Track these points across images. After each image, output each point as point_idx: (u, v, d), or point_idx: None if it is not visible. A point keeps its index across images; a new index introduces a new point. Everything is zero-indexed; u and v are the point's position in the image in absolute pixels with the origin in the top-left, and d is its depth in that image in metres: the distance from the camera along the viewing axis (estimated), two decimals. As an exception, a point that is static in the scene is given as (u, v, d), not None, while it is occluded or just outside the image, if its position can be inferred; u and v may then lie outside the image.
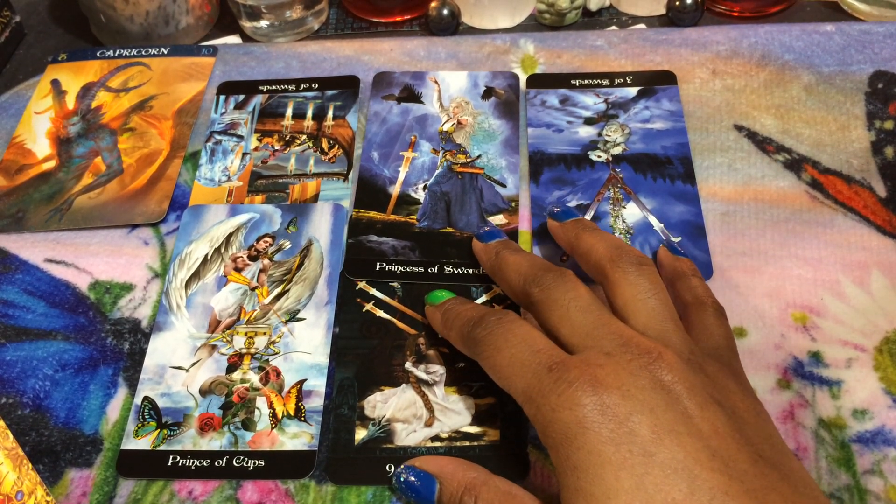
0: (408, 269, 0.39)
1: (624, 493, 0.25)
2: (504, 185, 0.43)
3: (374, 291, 0.39)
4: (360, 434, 0.35)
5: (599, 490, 0.25)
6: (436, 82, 0.48)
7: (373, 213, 0.42)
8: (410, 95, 0.47)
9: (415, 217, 0.42)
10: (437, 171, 0.44)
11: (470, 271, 0.39)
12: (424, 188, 0.43)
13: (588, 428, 0.26)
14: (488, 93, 0.47)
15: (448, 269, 0.39)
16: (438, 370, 0.36)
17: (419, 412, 0.35)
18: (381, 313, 0.38)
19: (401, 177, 0.44)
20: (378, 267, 0.40)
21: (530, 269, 0.33)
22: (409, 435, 0.34)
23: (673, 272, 0.36)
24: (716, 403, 0.27)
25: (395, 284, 0.39)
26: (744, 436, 0.27)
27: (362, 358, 0.37)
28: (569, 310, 0.30)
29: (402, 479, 0.32)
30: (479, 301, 0.38)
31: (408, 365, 0.37)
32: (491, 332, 0.31)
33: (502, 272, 0.35)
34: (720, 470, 0.25)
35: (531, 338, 0.30)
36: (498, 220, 0.41)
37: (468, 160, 0.44)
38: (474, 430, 0.34)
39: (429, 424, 0.35)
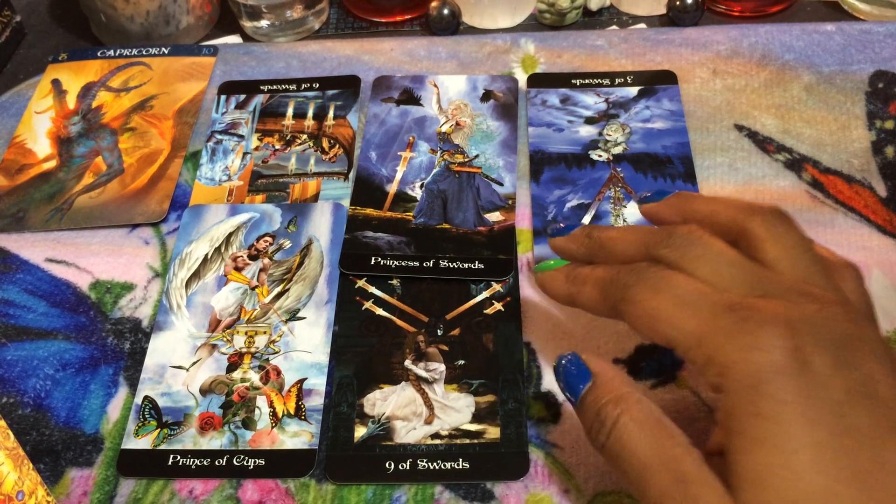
0: (403, 264, 0.39)
1: (811, 451, 0.23)
2: (501, 184, 0.43)
3: (373, 290, 0.39)
4: (360, 431, 0.35)
5: (785, 443, 0.23)
6: (435, 85, 0.48)
7: (369, 210, 0.42)
8: (409, 98, 0.47)
9: (411, 214, 0.42)
10: (434, 170, 0.44)
11: (466, 266, 0.39)
12: (421, 186, 0.43)
13: (781, 373, 0.24)
14: (487, 95, 0.47)
15: (443, 263, 0.39)
16: (438, 368, 0.36)
17: (419, 410, 0.35)
18: (380, 311, 0.38)
19: (398, 175, 0.44)
20: (373, 261, 0.40)
21: (647, 234, 0.30)
22: (408, 432, 0.34)
23: (680, 212, 0.32)
24: (893, 369, 0.25)
25: (394, 283, 0.39)
26: None
27: (361, 356, 0.37)
28: (718, 263, 0.27)
29: (562, 363, 0.30)
30: (479, 298, 0.38)
31: (407, 363, 0.37)
32: (645, 276, 0.28)
33: (608, 249, 0.31)
34: None
35: (693, 281, 0.27)
36: (495, 216, 0.41)
37: (466, 159, 0.44)
38: (474, 427, 0.34)
39: (428, 422, 0.35)
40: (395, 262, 0.40)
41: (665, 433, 0.26)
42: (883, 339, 0.27)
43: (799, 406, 0.23)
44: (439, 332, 0.37)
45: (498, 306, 0.38)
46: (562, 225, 0.35)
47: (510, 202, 0.42)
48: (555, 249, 0.34)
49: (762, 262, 0.28)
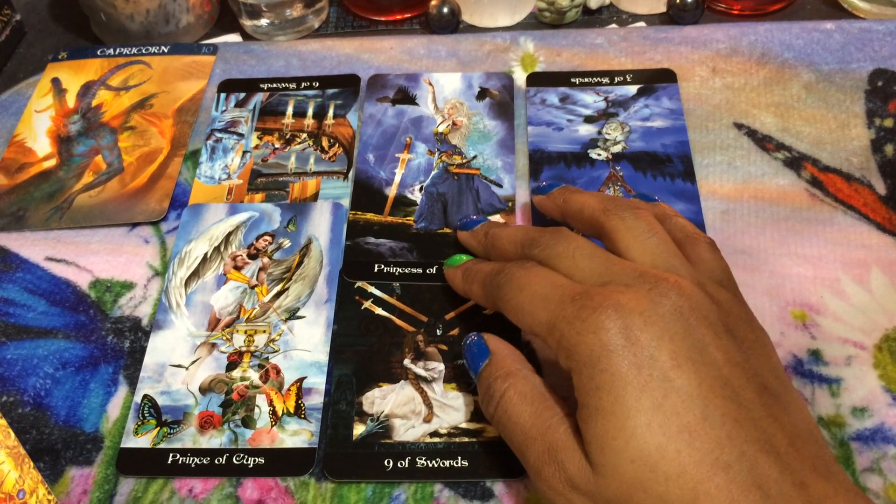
0: (406, 270, 0.39)
1: (642, 414, 0.26)
2: (500, 186, 0.43)
3: (372, 289, 0.39)
4: (359, 429, 0.35)
5: (620, 409, 0.26)
6: (430, 84, 0.48)
7: (370, 215, 0.42)
8: (405, 97, 0.47)
9: (412, 218, 0.42)
10: (433, 173, 0.44)
11: None
12: (421, 189, 0.43)
13: (613, 351, 0.27)
14: (483, 94, 0.47)
15: None
16: (437, 367, 0.36)
17: (418, 408, 0.35)
18: (379, 311, 0.38)
19: (397, 178, 0.44)
20: (376, 268, 0.40)
21: (525, 235, 0.34)
22: (407, 430, 0.34)
23: (655, 216, 0.35)
24: (728, 332, 0.28)
25: (393, 284, 0.39)
26: (751, 366, 0.28)
27: (361, 355, 0.37)
28: (575, 258, 0.31)
29: (468, 342, 0.33)
30: None
31: (406, 362, 0.37)
32: (513, 276, 0.32)
33: (497, 248, 0.36)
34: (730, 398, 0.26)
35: (552, 276, 0.31)
36: (495, 220, 0.41)
37: (464, 161, 0.44)
38: (473, 426, 0.34)
39: (427, 420, 0.35)
40: (399, 269, 0.40)
41: (545, 405, 0.30)
42: (739, 299, 0.31)
43: (630, 377, 0.26)
44: (438, 332, 0.37)
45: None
46: (474, 217, 0.39)
47: (510, 204, 0.42)
48: (460, 242, 0.39)
49: (617, 252, 0.32)
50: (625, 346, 0.27)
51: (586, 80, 0.47)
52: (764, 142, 0.43)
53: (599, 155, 0.43)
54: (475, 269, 0.35)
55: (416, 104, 0.47)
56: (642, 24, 0.51)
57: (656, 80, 0.46)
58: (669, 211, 0.35)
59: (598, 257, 0.31)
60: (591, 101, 0.46)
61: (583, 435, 0.27)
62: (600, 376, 0.27)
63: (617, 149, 0.44)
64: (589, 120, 0.45)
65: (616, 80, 0.47)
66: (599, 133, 0.44)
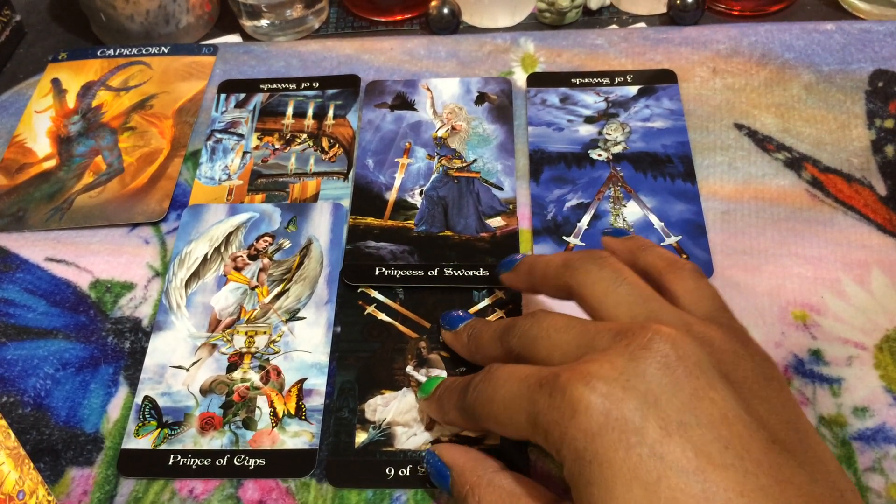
0: (407, 273, 0.39)
1: None
2: (501, 188, 0.43)
3: (375, 294, 0.39)
4: (361, 437, 0.34)
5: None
6: (428, 89, 0.48)
7: (370, 220, 0.42)
8: (403, 103, 0.47)
9: (412, 222, 0.42)
10: (433, 177, 0.44)
11: (470, 273, 0.39)
12: (421, 193, 0.43)
13: (596, 434, 0.24)
14: (481, 98, 0.47)
15: (448, 271, 0.39)
16: (440, 374, 0.36)
17: (420, 416, 0.35)
18: (382, 316, 0.38)
19: (397, 182, 0.44)
20: (377, 271, 0.40)
21: (501, 328, 0.32)
22: (409, 438, 0.34)
23: (629, 251, 0.34)
24: (723, 380, 0.25)
25: (397, 289, 0.39)
26: (755, 416, 0.25)
27: (363, 361, 0.37)
28: (550, 338, 0.29)
29: (427, 460, 0.32)
30: (481, 305, 0.38)
31: (409, 369, 0.36)
32: (478, 389, 0.29)
33: (480, 350, 0.34)
34: (733, 466, 0.23)
35: (516, 370, 0.28)
36: (496, 222, 0.41)
37: (464, 164, 0.44)
38: (474, 434, 0.34)
39: (429, 428, 0.35)
40: (400, 272, 0.40)
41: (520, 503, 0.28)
42: (736, 331, 0.29)
43: (617, 462, 0.23)
44: (441, 339, 0.37)
45: (500, 313, 0.38)
46: (459, 313, 0.36)
47: (511, 207, 0.42)
48: (446, 343, 0.36)
49: (591, 309, 0.30)
50: (606, 426, 0.24)
51: (587, 80, 0.47)
52: (764, 142, 0.43)
53: (600, 155, 0.43)
54: (446, 392, 0.32)
55: (415, 109, 0.47)
56: (643, 24, 0.51)
57: (657, 81, 0.46)
58: (645, 243, 0.34)
59: (574, 328, 0.28)
60: (591, 101, 0.46)
61: None
62: (588, 469, 0.24)
63: (617, 149, 0.44)
64: (589, 120, 0.45)
65: (616, 80, 0.47)
66: (600, 133, 0.44)
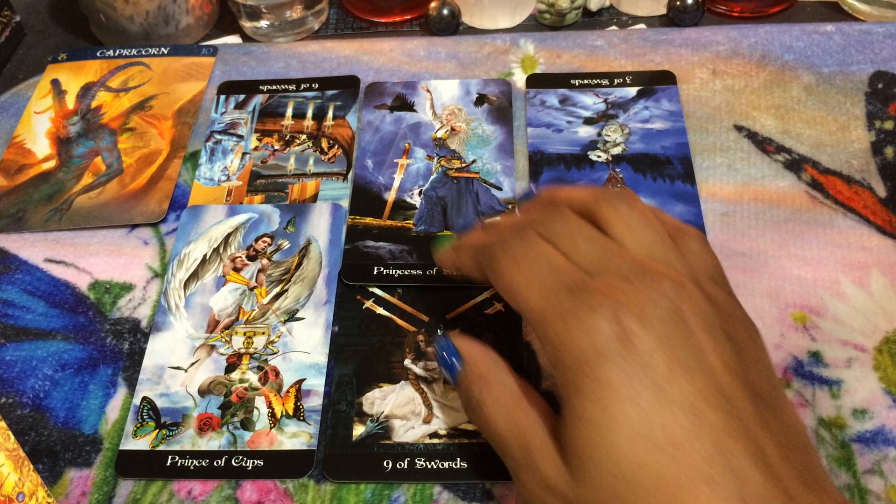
0: (406, 272, 0.39)
1: (627, 428, 0.25)
2: (500, 189, 0.43)
3: (374, 288, 0.39)
4: (358, 430, 0.35)
5: (604, 422, 0.25)
6: (428, 91, 0.48)
7: (369, 219, 0.42)
8: (403, 104, 0.47)
9: (411, 222, 0.42)
10: (432, 177, 0.44)
11: None
12: (420, 193, 0.43)
13: (605, 357, 0.25)
14: (481, 99, 0.47)
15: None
16: (438, 367, 0.36)
17: (418, 409, 0.35)
18: (380, 310, 0.38)
19: (396, 183, 0.44)
20: (375, 271, 0.40)
21: (518, 220, 0.32)
22: (407, 431, 0.34)
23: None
24: (726, 337, 0.27)
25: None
26: (747, 373, 0.27)
27: (361, 355, 0.37)
28: (575, 240, 0.29)
29: (438, 347, 0.32)
30: (480, 298, 0.38)
31: (407, 362, 0.37)
32: (510, 246, 0.30)
33: (497, 231, 0.33)
34: (724, 409, 0.25)
35: (551, 256, 0.29)
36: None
37: (463, 165, 0.44)
38: (472, 427, 0.34)
39: (427, 421, 0.35)
40: (398, 272, 0.40)
41: (520, 410, 0.29)
42: (732, 296, 0.30)
43: (619, 387, 0.25)
44: (439, 332, 0.37)
45: (498, 307, 0.38)
46: (521, 195, 0.36)
47: (510, 207, 0.42)
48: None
49: (613, 239, 0.30)
50: (618, 353, 0.25)
51: (586, 81, 0.47)
52: (764, 144, 0.43)
53: (599, 157, 0.43)
54: (468, 240, 0.33)
55: (415, 111, 0.47)
56: (642, 25, 0.51)
57: (656, 82, 0.46)
58: (652, 208, 0.34)
59: (599, 243, 0.29)
60: (590, 102, 0.46)
61: (562, 440, 0.27)
62: (587, 383, 0.26)
63: (617, 150, 0.44)
64: (589, 122, 0.45)
65: (616, 81, 0.47)
66: (599, 135, 0.44)
